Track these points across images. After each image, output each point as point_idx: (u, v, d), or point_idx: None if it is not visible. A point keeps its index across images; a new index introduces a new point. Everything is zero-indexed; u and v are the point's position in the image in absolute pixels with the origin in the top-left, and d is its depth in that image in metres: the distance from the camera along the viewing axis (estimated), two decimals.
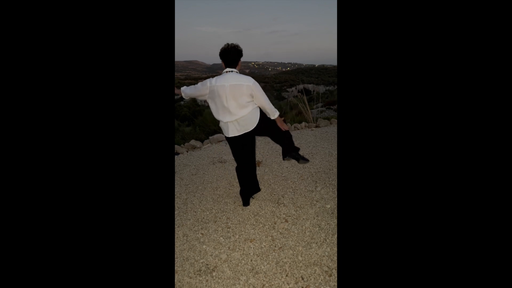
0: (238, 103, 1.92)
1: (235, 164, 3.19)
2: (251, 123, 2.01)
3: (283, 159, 2.25)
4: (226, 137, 2.09)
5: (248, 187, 2.25)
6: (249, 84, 1.91)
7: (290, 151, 2.20)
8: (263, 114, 2.06)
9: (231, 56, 1.94)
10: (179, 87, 2.21)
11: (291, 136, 2.19)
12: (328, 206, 2.18)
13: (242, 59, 2.03)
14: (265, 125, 2.06)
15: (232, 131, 2.01)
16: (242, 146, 2.09)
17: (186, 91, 2.13)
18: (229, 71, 1.96)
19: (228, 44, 1.95)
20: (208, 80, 1.99)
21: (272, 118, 2.07)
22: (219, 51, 1.98)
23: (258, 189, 2.33)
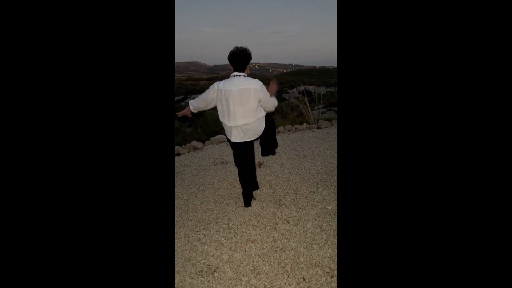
0: (245, 109, 1.91)
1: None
2: (255, 133, 2.03)
3: (262, 155, 2.38)
4: (228, 139, 2.11)
5: (249, 188, 2.27)
6: (256, 87, 1.89)
7: (273, 149, 2.35)
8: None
9: (240, 59, 1.92)
10: (181, 106, 2.23)
11: (275, 134, 2.30)
12: (330, 207, 2.18)
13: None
14: (264, 135, 2.11)
15: (235, 136, 2.02)
16: (243, 150, 2.11)
17: (194, 104, 2.09)
18: (237, 75, 1.94)
19: (237, 47, 1.93)
20: (215, 83, 1.98)
21: (272, 110, 2.08)
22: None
23: (257, 187, 2.35)
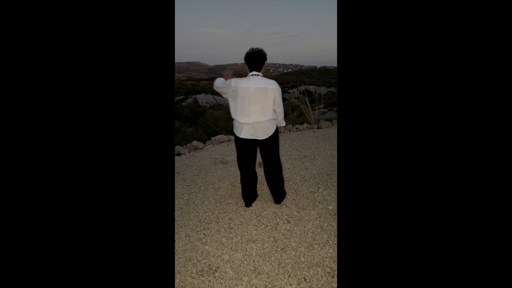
0: (259, 107, 1.95)
1: (237, 165, 3.20)
2: (265, 132, 2.03)
3: (276, 203, 2.30)
4: (236, 137, 2.11)
5: (250, 196, 2.27)
6: (274, 88, 1.97)
7: (282, 195, 2.31)
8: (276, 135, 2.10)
9: (256, 60, 1.98)
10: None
11: (282, 175, 2.26)
12: (331, 207, 2.18)
13: (243, 61, 2.04)
14: (271, 144, 2.09)
15: (245, 133, 2.03)
16: (249, 150, 2.12)
17: (217, 82, 2.08)
18: (255, 75, 1.99)
19: (253, 48, 1.99)
20: (232, 80, 2.00)
21: (279, 125, 2.18)
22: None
23: (256, 196, 2.37)
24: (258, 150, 2.18)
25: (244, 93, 1.94)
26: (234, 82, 1.98)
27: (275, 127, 2.08)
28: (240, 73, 2.31)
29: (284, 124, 2.22)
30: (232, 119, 2.11)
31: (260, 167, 3.03)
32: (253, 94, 1.93)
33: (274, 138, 2.10)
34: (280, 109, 2.07)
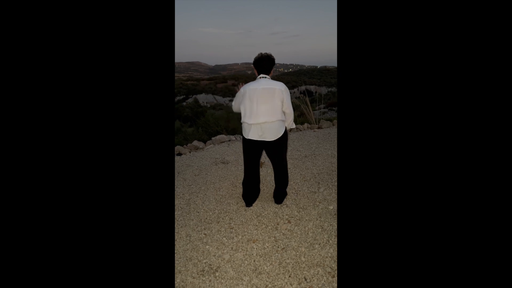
0: (267, 107, 1.98)
1: (237, 165, 3.20)
2: (273, 134, 2.04)
3: (276, 203, 2.30)
4: (243, 139, 2.12)
5: (252, 191, 2.27)
6: (281, 88, 2.01)
7: (283, 196, 2.31)
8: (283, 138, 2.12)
9: (264, 64, 2.04)
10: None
11: (287, 178, 2.28)
12: (331, 207, 2.18)
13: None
14: (279, 146, 2.10)
15: (253, 134, 2.04)
16: (256, 153, 2.13)
17: (233, 104, 2.25)
18: (263, 77, 2.05)
19: (261, 53, 2.06)
20: (241, 88, 2.10)
21: (288, 127, 2.20)
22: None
23: (257, 197, 2.38)
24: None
25: (252, 94, 1.99)
26: (242, 88, 2.06)
27: (283, 129, 2.09)
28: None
29: (293, 126, 2.23)
30: (237, 122, 2.15)
31: (260, 167, 3.03)
32: (261, 94, 1.97)
33: (283, 140, 2.10)
34: (290, 110, 2.08)
